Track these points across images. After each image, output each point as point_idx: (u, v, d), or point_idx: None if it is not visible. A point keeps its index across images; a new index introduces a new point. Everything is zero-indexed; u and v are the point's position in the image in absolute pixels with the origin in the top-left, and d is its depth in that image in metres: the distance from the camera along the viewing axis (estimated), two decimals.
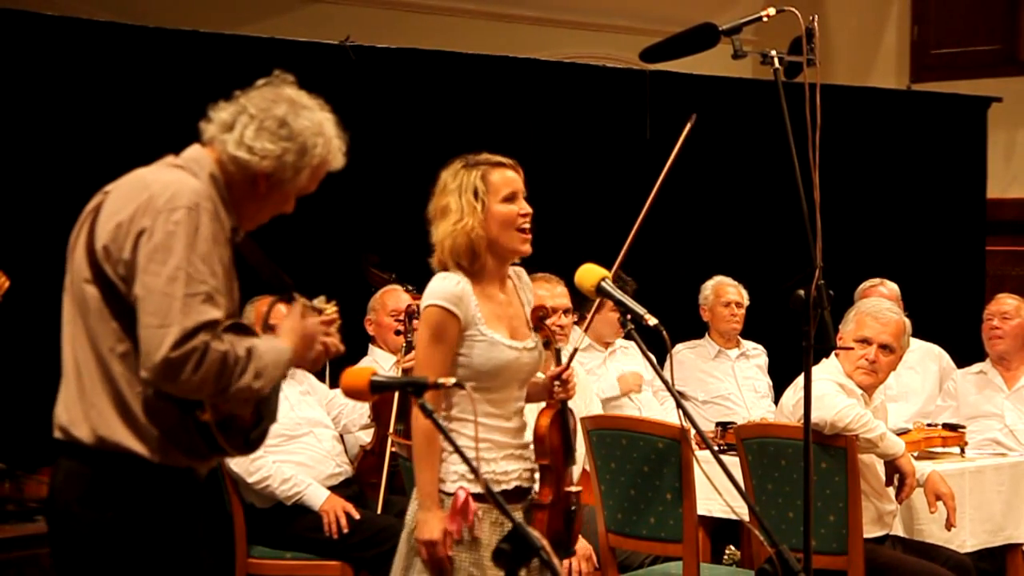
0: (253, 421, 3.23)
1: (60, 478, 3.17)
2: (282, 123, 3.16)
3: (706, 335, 7.61)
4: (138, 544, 3.12)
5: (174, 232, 3.01)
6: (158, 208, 3.03)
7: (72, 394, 3.15)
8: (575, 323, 6.68)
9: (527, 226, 3.89)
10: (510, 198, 3.85)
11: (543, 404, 4.06)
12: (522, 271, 4.10)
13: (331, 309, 3.42)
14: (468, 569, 3.76)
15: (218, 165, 3.18)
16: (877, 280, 7.45)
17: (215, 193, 3.15)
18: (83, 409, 3.12)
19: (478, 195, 3.81)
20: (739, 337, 7.61)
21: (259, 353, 3.10)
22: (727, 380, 7.47)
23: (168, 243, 3.01)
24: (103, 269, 3.08)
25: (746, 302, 7.54)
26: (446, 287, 3.82)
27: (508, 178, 3.86)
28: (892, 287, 7.42)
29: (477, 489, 3.75)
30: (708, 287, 7.57)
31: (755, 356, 7.64)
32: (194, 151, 3.21)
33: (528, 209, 3.88)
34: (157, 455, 3.10)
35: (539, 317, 3.99)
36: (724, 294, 7.51)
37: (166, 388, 3.02)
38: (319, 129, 3.22)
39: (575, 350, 4.28)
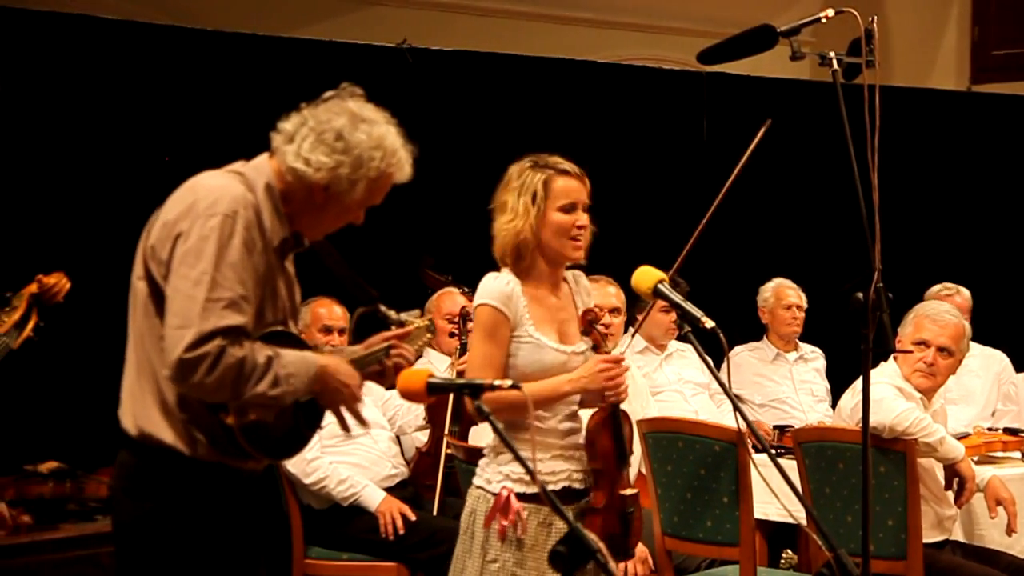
0: (288, 427, 3.25)
1: (115, 468, 3.28)
2: (339, 136, 3.21)
3: (764, 337, 7.56)
4: (174, 536, 3.18)
5: (207, 237, 3.08)
6: (198, 213, 3.11)
7: (127, 387, 3.25)
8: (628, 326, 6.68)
9: (580, 237, 3.88)
10: (568, 208, 3.85)
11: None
12: (580, 275, 4.08)
13: (418, 323, 3.45)
14: (511, 569, 3.77)
15: (277, 175, 3.25)
16: (953, 288, 7.28)
17: (267, 202, 3.21)
18: (132, 402, 3.22)
19: (535, 199, 3.82)
20: (798, 340, 7.56)
21: (281, 363, 3.12)
22: (784, 383, 7.42)
23: (200, 247, 3.07)
24: (150, 267, 3.17)
25: (805, 305, 7.49)
26: (497, 287, 3.84)
27: (570, 188, 3.87)
28: (966, 296, 7.30)
29: (523, 489, 3.77)
30: (768, 289, 7.52)
31: (813, 359, 7.59)
32: (260, 160, 3.29)
33: (584, 222, 3.88)
34: (190, 449, 3.16)
35: (588, 320, 3.98)
36: (784, 297, 7.46)
37: (183, 388, 3.08)
38: (378, 143, 3.24)
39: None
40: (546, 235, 3.84)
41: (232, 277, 3.07)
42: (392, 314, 3.49)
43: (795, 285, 7.51)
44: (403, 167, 3.31)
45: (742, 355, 7.45)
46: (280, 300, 3.29)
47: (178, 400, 3.14)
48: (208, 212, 3.10)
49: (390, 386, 3.36)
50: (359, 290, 3.45)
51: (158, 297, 3.14)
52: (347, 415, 3.30)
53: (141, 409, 3.19)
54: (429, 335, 3.70)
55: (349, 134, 3.21)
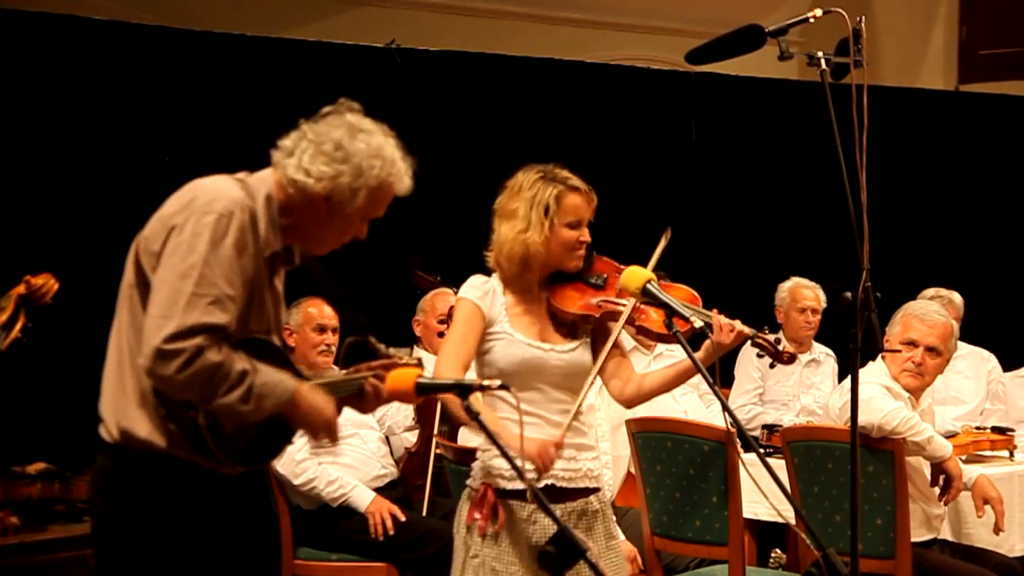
0: (257, 436, 3.20)
1: (93, 472, 3.26)
2: (338, 146, 3.21)
3: (779, 334, 7.46)
4: (149, 538, 3.16)
5: (200, 233, 3.07)
6: (194, 209, 3.11)
7: (106, 389, 3.22)
8: None
9: (582, 249, 3.96)
10: (575, 224, 3.92)
11: None
12: None
13: (407, 359, 3.46)
14: (491, 564, 3.80)
15: (278, 188, 3.25)
16: (945, 297, 7.22)
17: (265, 212, 3.21)
18: (112, 402, 3.20)
19: (548, 213, 3.88)
20: (813, 341, 7.46)
21: (257, 379, 3.09)
22: (790, 384, 7.35)
23: (192, 242, 3.07)
24: (140, 261, 3.15)
25: (823, 306, 7.31)
26: (477, 283, 3.95)
27: (579, 206, 3.92)
28: (958, 305, 7.27)
29: (504, 485, 3.81)
30: (784, 289, 7.40)
31: (825, 363, 7.47)
32: (263, 172, 3.29)
33: (587, 238, 3.96)
34: (166, 443, 3.14)
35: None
36: (800, 299, 7.31)
37: (155, 380, 3.06)
38: (376, 152, 3.25)
39: None
40: (553, 249, 3.91)
41: (221, 275, 3.06)
42: (381, 347, 3.50)
43: (813, 284, 7.34)
44: (403, 178, 3.32)
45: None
46: (266, 311, 3.28)
47: (156, 393, 3.12)
48: (205, 209, 3.10)
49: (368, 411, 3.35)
50: (352, 318, 3.47)
51: (144, 288, 3.13)
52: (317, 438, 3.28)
53: (120, 401, 3.17)
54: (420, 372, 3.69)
55: (348, 143, 3.22)
